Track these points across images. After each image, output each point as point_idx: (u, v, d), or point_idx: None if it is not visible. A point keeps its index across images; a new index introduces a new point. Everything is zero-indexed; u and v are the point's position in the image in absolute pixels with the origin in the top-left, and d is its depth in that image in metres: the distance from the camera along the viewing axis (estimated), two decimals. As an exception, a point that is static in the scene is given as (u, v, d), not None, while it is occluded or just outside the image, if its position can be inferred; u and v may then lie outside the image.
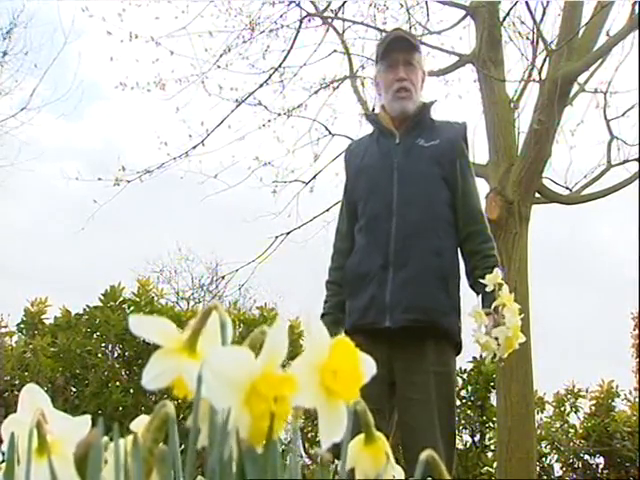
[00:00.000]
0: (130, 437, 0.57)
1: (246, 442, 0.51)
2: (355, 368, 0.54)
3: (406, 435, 2.15)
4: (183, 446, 0.55)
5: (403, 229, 2.19)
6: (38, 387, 0.60)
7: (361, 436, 0.61)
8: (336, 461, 0.59)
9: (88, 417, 0.59)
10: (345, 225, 2.38)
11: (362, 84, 6.94)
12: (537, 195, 5.67)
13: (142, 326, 0.55)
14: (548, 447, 5.97)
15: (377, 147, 2.35)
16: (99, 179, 6.79)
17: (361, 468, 0.59)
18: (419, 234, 2.19)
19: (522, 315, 2.01)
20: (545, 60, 5.73)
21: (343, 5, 7.00)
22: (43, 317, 5.52)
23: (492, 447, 5.80)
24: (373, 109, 6.30)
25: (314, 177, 7.06)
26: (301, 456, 5.70)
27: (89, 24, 13.23)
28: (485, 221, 2.32)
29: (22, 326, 5.48)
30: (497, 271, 2.06)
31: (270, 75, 6.99)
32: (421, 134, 2.32)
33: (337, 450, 0.58)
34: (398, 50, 2.34)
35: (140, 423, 0.58)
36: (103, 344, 5.32)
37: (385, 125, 2.36)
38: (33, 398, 0.60)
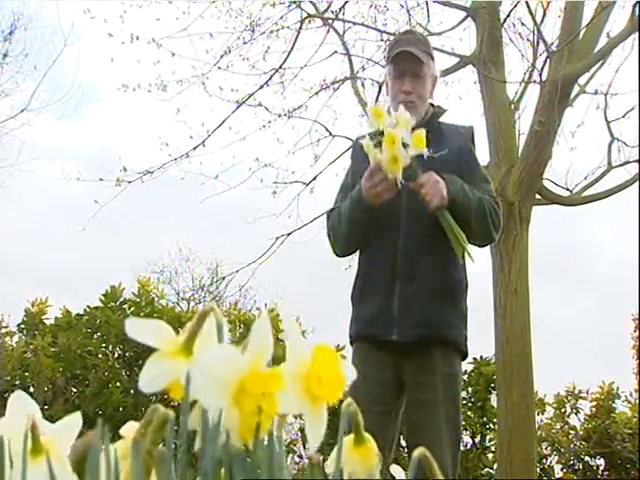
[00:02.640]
0: (127, 439, 0.57)
1: (235, 443, 0.51)
2: (338, 372, 0.55)
3: (412, 435, 2.16)
4: (182, 447, 0.56)
5: (409, 243, 2.17)
6: (27, 395, 0.61)
7: (351, 437, 0.61)
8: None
9: (78, 414, 0.59)
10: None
11: (362, 85, 6.95)
12: (537, 196, 5.68)
13: (138, 329, 0.56)
14: (548, 448, 5.97)
15: None
16: (100, 179, 6.80)
17: (350, 469, 0.60)
18: (426, 248, 2.17)
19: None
20: (546, 61, 5.73)
21: (344, 6, 7.01)
22: (44, 317, 5.54)
23: (492, 448, 5.81)
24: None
25: (314, 178, 7.06)
26: (301, 457, 5.72)
27: (87, 26, 13.25)
28: (496, 202, 2.25)
29: (23, 326, 5.49)
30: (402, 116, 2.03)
31: (271, 76, 7.00)
32: (429, 143, 2.30)
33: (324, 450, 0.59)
34: (406, 60, 2.28)
35: (130, 428, 0.58)
36: (103, 344, 5.33)
37: None
38: (22, 404, 0.59)
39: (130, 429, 0.58)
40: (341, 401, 0.57)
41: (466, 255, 2.12)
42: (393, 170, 1.99)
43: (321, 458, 0.54)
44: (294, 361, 0.54)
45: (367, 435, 0.61)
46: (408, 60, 2.29)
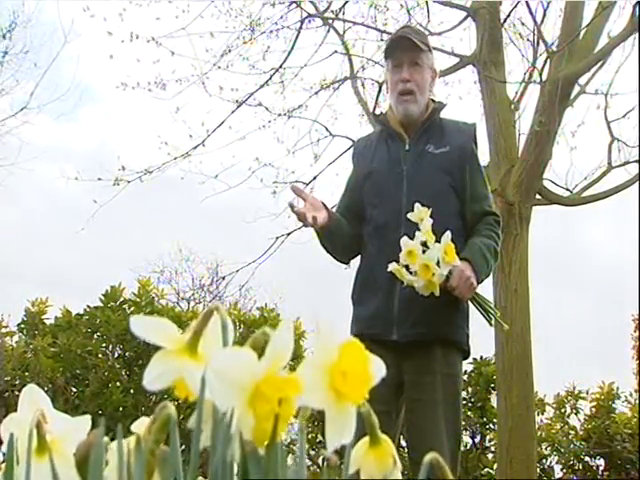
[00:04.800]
0: (131, 438, 0.57)
1: (250, 443, 0.51)
2: (365, 370, 0.54)
3: (412, 435, 2.15)
4: (183, 447, 0.55)
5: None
6: (38, 388, 0.60)
7: (366, 438, 0.60)
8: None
9: (88, 417, 0.59)
10: (342, 208, 2.37)
11: (362, 85, 6.95)
12: (538, 197, 5.68)
13: (143, 327, 0.55)
14: (548, 449, 5.97)
15: (386, 151, 2.32)
16: (99, 179, 6.80)
17: (367, 470, 0.59)
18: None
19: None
20: (546, 61, 5.73)
21: (344, 6, 7.01)
22: (44, 317, 5.53)
23: (492, 449, 5.81)
24: (374, 109, 6.30)
25: (314, 178, 7.07)
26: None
27: (86, 26, 13.23)
28: (498, 221, 2.29)
29: (23, 326, 5.49)
30: (423, 211, 2.08)
31: (271, 76, 7.00)
32: (430, 139, 2.28)
33: (341, 451, 0.58)
34: (403, 49, 2.29)
35: (141, 425, 0.58)
36: (103, 344, 5.32)
37: (394, 127, 2.34)
38: (33, 398, 0.59)
39: (140, 426, 0.57)
40: None
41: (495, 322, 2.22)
42: (431, 289, 2.08)
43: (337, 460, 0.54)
44: (321, 354, 0.53)
45: (383, 436, 0.61)
46: (405, 49, 2.30)
